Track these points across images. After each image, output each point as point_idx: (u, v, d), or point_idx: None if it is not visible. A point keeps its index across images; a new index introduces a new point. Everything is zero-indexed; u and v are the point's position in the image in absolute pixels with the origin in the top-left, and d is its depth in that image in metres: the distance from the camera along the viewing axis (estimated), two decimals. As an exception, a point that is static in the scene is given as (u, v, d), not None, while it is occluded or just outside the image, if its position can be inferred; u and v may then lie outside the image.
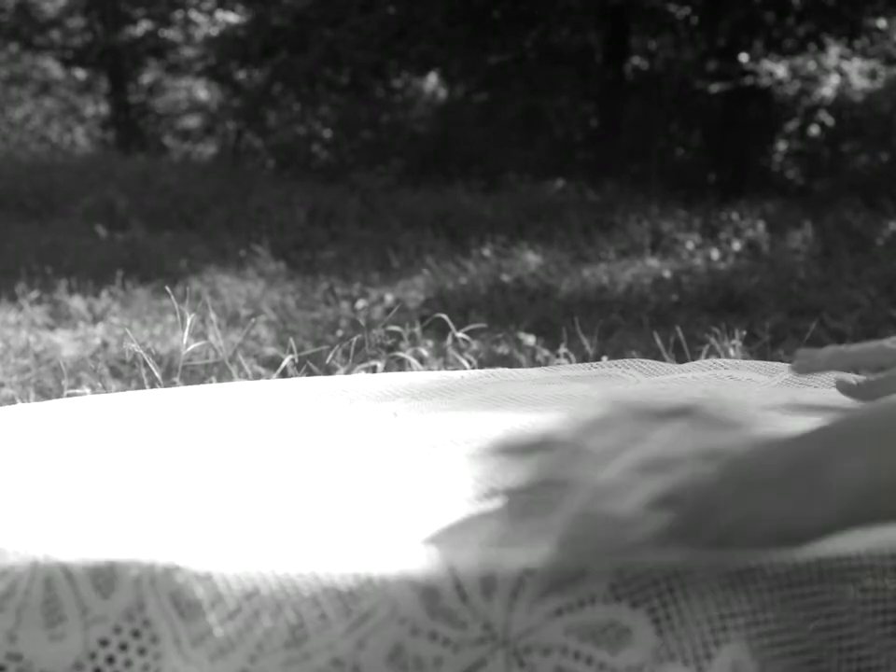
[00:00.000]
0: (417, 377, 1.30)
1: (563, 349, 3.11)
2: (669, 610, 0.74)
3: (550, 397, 1.22)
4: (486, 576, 0.73)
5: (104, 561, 0.74)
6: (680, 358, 3.17)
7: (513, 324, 4.61)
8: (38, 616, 0.75)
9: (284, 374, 2.57)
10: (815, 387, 1.26)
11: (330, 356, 2.56)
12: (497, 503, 0.80)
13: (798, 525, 0.70)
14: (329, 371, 2.53)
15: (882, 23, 11.01)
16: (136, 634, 0.73)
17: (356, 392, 1.22)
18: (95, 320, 4.86)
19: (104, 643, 0.74)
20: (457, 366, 2.99)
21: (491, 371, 1.35)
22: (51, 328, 4.75)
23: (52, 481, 0.92)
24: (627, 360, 1.36)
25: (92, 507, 0.85)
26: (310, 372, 2.53)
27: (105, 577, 0.74)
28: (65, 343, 4.32)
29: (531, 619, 0.73)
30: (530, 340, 3.99)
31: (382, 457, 0.99)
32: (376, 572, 0.73)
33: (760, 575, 0.75)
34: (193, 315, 2.24)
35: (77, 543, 0.76)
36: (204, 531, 0.79)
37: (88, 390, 2.72)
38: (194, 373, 3.17)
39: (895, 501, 0.68)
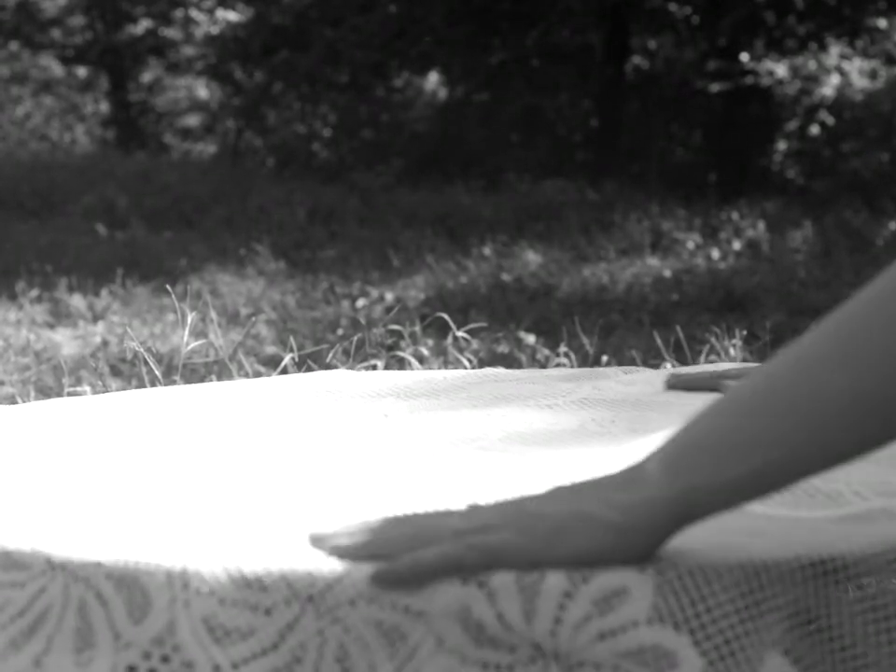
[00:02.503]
0: (401, 378, 1.30)
1: (563, 348, 3.11)
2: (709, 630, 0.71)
3: (536, 394, 1.22)
4: (526, 601, 0.69)
5: (137, 585, 0.71)
6: (680, 358, 3.17)
7: (513, 323, 4.61)
8: (69, 642, 0.72)
9: (284, 373, 2.57)
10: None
11: (331, 354, 2.56)
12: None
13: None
14: (329, 369, 2.53)
15: (883, 23, 11.01)
16: (165, 659, 0.70)
17: (340, 392, 1.21)
18: (95, 319, 4.86)
19: (131, 669, 0.71)
20: (458, 365, 2.99)
21: (473, 371, 1.35)
22: (52, 326, 4.75)
23: (57, 483, 0.91)
24: (608, 369, 1.37)
25: (106, 513, 0.82)
26: (310, 371, 2.53)
27: (138, 603, 0.71)
28: (66, 342, 4.33)
29: (576, 643, 0.70)
30: (530, 339, 3.99)
31: (382, 459, 0.99)
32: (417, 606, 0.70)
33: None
34: (193, 313, 2.23)
35: (105, 561, 0.73)
36: (218, 540, 0.77)
37: (88, 388, 2.71)
38: (194, 372, 3.17)
39: None
